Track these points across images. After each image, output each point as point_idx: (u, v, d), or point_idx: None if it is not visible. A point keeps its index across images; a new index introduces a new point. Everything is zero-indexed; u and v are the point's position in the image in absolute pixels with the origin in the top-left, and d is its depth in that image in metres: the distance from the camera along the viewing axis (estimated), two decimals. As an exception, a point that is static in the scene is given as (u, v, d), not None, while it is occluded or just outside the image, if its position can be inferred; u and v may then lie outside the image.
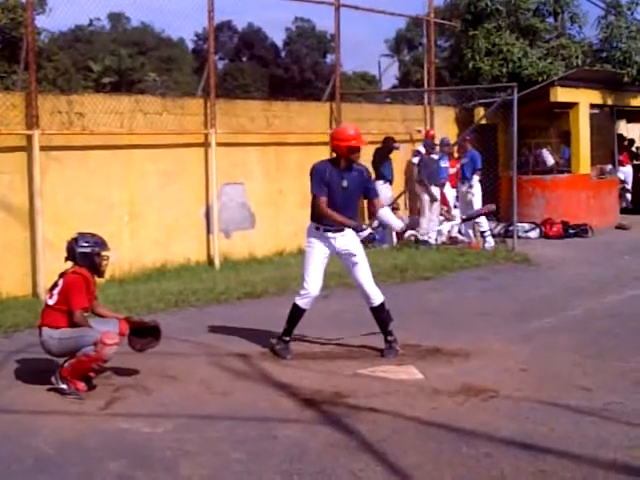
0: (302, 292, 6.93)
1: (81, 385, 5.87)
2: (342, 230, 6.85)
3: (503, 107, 14.02)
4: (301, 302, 6.92)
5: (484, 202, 13.62)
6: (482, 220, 13.43)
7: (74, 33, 42.31)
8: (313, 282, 6.86)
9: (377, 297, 6.97)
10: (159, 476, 4.46)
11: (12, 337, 7.63)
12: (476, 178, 13.56)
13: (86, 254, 6.02)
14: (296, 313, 6.96)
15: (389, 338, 6.99)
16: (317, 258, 6.87)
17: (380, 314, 7.01)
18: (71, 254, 6.06)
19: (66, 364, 5.87)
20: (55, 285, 6.03)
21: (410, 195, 14.97)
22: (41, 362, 6.30)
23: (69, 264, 6.09)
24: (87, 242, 6.06)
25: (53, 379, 5.88)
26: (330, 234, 6.84)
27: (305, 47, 54.37)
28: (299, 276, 7.05)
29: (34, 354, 6.47)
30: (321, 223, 6.86)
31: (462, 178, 13.68)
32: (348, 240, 6.88)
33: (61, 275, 6.05)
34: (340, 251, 6.90)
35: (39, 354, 6.20)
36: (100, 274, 6.18)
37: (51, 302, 5.97)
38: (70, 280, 5.94)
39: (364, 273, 6.93)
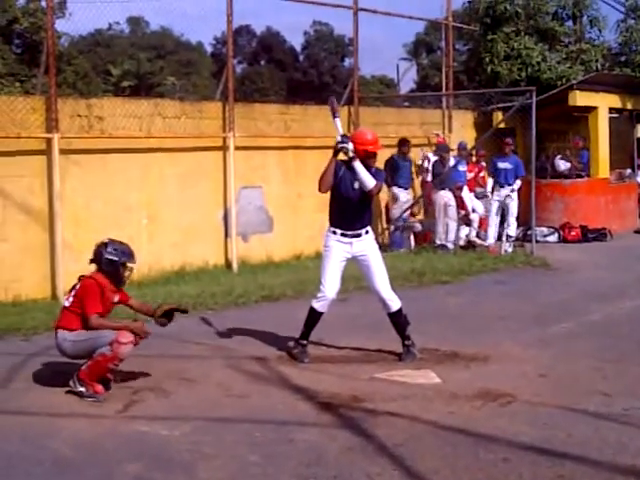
0: (319, 295, 6.93)
1: (99, 388, 5.89)
2: (359, 235, 6.85)
3: (521, 111, 13.95)
4: (318, 305, 6.92)
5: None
6: (513, 224, 13.42)
7: (94, 37, 42.50)
8: (330, 285, 6.86)
9: (394, 303, 6.94)
10: (177, 478, 4.47)
11: (31, 340, 7.67)
12: (519, 183, 13.54)
13: (112, 261, 6.05)
14: (313, 316, 6.96)
15: (407, 342, 6.97)
16: (334, 261, 6.86)
17: (397, 319, 7.00)
18: (97, 258, 6.08)
19: (83, 366, 5.90)
20: (74, 287, 6.07)
21: (424, 199, 14.91)
22: (60, 364, 6.33)
23: (88, 267, 6.11)
24: (115, 250, 6.09)
25: (71, 382, 5.90)
26: (347, 239, 6.83)
27: (323, 51, 54.45)
28: (317, 279, 7.04)
29: (53, 357, 6.49)
30: (336, 227, 6.87)
31: (503, 183, 13.59)
32: (365, 245, 6.87)
33: (80, 278, 6.08)
34: (357, 256, 6.89)
35: (57, 357, 6.22)
36: (122, 284, 6.21)
37: (67, 304, 6.02)
38: (85, 284, 5.98)
39: (380, 279, 6.91)
